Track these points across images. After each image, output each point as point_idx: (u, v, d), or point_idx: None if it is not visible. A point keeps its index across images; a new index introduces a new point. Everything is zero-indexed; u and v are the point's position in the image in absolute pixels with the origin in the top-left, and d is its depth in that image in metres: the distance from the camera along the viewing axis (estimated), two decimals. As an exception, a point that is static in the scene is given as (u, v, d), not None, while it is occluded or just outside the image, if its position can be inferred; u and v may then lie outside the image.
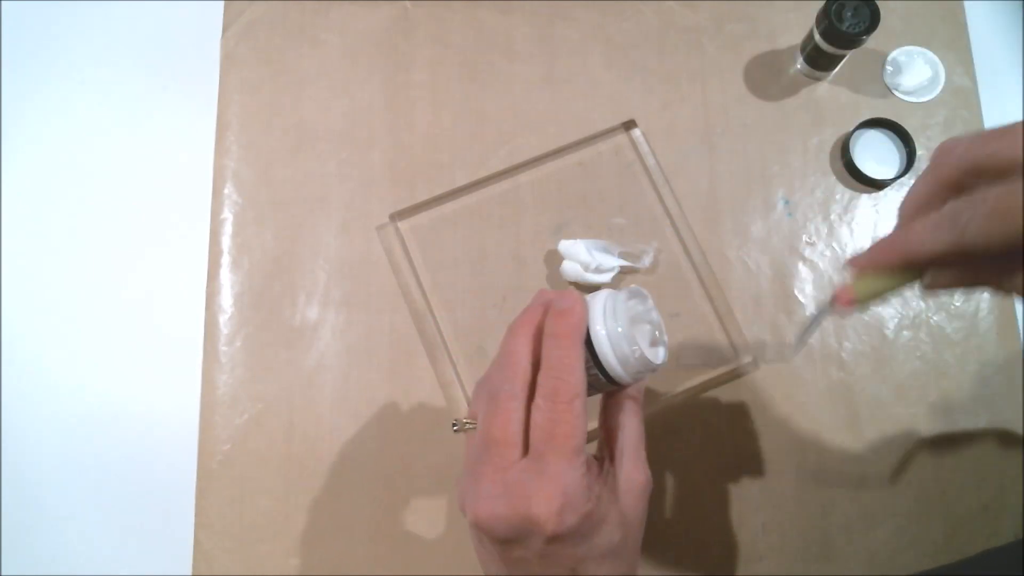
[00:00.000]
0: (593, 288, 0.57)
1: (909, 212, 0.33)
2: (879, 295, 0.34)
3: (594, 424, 0.41)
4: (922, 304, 0.58)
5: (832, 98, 0.62)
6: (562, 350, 0.34)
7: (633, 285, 0.38)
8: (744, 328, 0.57)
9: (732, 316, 0.57)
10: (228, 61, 0.62)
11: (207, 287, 0.58)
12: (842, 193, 0.60)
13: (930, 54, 0.63)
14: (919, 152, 0.60)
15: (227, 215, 0.59)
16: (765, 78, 0.62)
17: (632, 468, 0.37)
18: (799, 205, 0.60)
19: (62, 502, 0.57)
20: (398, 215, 0.59)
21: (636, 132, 0.60)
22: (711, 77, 0.62)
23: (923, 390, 0.57)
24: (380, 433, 0.56)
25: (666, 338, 0.38)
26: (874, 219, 0.60)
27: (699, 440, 0.56)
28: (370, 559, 0.54)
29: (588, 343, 0.35)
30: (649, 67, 0.63)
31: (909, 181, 0.61)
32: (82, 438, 0.58)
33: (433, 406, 0.56)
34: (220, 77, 0.62)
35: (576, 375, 0.33)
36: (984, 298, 0.58)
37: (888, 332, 0.58)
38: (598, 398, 0.40)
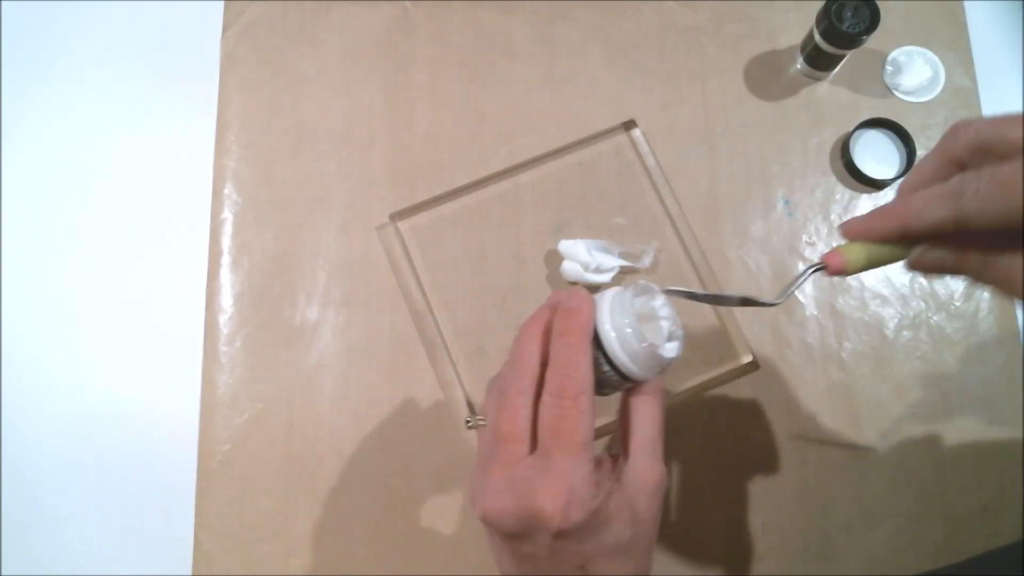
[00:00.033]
0: (594, 288, 0.57)
1: (911, 186, 0.34)
2: (868, 265, 0.34)
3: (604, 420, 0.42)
4: (922, 304, 0.58)
5: (832, 98, 0.62)
6: (569, 348, 0.34)
7: (641, 281, 0.37)
8: (744, 328, 0.57)
9: (732, 316, 0.57)
10: (228, 61, 0.62)
11: (207, 287, 0.58)
12: (842, 193, 0.60)
13: (930, 54, 0.63)
14: (919, 152, 0.60)
15: (227, 215, 0.59)
16: (765, 78, 0.62)
17: (646, 465, 0.36)
18: (799, 205, 0.60)
19: (62, 502, 0.57)
20: (398, 215, 0.59)
21: (636, 132, 0.60)
22: (711, 77, 0.62)
23: (923, 390, 0.57)
24: (380, 433, 0.56)
25: (681, 332, 0.37)
26: (874, 219, 0.60)
27: (699, 440, 0.56)
28: (370, 559, 0.54)
29: (599, 343, 0.35)
30: (649, 67, 0.63)
31: (909, 181, 0.61)
32: (82, 438, 0.58)
33: (433, 406, 0.56)
34: (220, 77, 0.62)
35: (582, 372, 0.34)
36: (984, 298, 0.58)
37: (888, 332, 0.58)
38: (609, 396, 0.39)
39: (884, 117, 0.61)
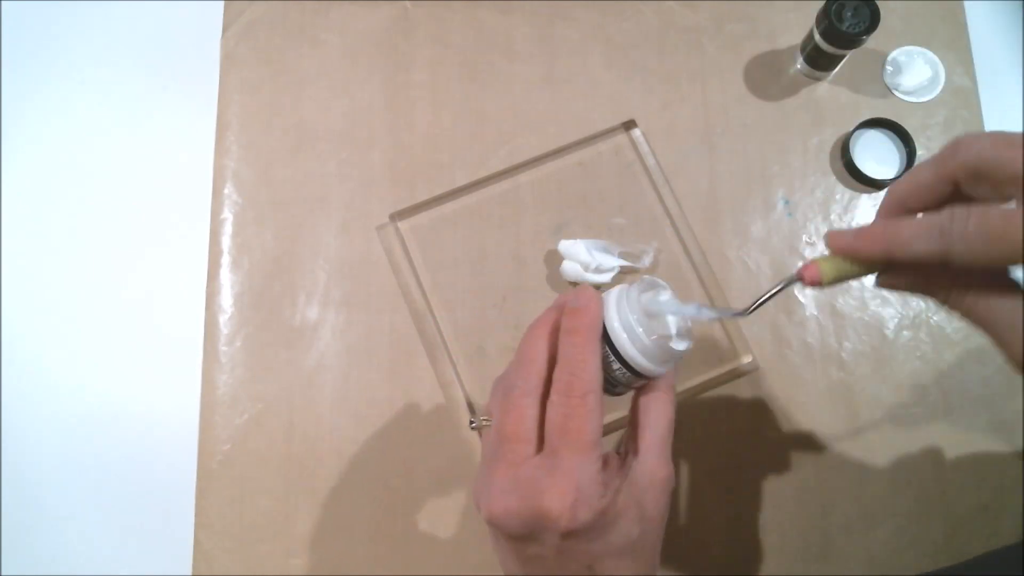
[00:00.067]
0: (594, 288, 0.57)
1: (901, 196, 0.33)
2: (842, 279, 0.34)
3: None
4: (922, 304, 0.58)
5: (832, 98, 0.62)
6: (576, 347, 0.34)
7: (647, 276, 0.37)
8: (744, 328, 0.57)
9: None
10: (228, 61, 0.62)
11: (207, 287, 0.58)
12: (842, 193, 0.60)
13: (930, 54, 0.63)
14: (919, 152, 0.60)
15: (227, 215, 0.59)
16: (765, 78, 0.62)
17: (656, 463, 0.36)
18: (799, 205, 0.60)
19: (62, 502, 0.57)
20: (398, 215, 0.59)
21: (636, 132, 0.60)
22: (711, 77, 0.62)
23: (923, 390, 0.57)
24: (380, 433, 0.56)
25: (689, 324, 0.37)
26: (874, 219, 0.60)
27: (699, 440, 0.56)
28: (370, 559, 0.54)
29: (608, 340, 0.35)
30: (649, 67, 0.63)
31: (909, 181, 0.61)
32: (82, 438, 0.58)
33: (433, 406, 0.56)
34: (220, 77, 0.62)
35: (590, 370, 0.33)
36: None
37: (888, 332, 0.58)
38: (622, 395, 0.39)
39: (884, 117, 0.61)
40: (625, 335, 0.35)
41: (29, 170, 0.63)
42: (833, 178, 0.61)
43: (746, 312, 0.36)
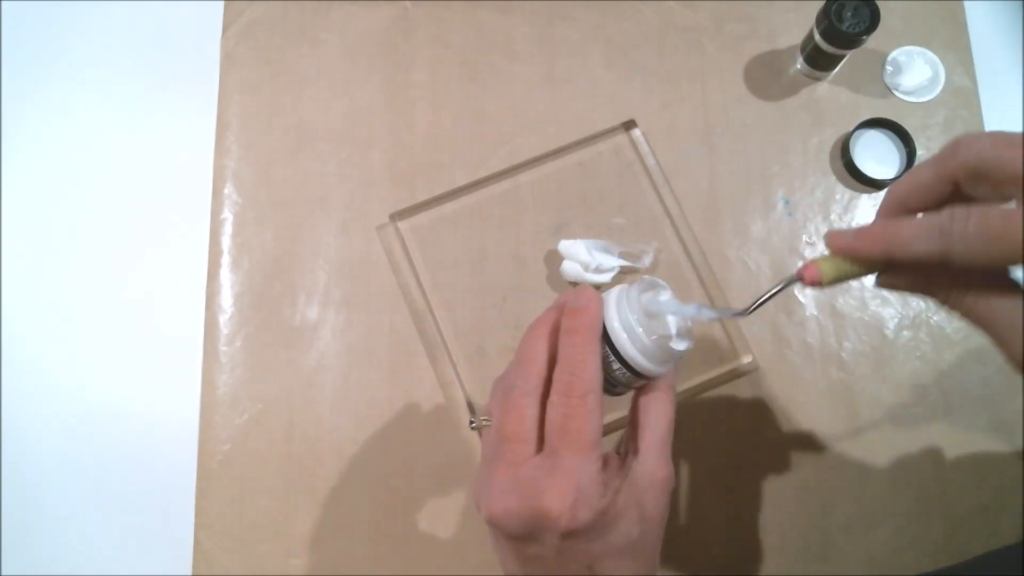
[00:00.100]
0: (593, 288, 0.57)
1: (901, 196, 0.33)
2: (842, 279, 0.34)
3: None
4: (922, 304, 0.58)
5: (832, 98, 0.62)
6: (576, 347, 0.34)
7: (647, 276, 0.37)
8: (744, 328, 0.57)
9: (732, 316, 0.57)
10: (228, 61, 0.62)
11: (207, 287, 0.58)
12: (842, 193, 0.60)
13: (930, 54, 0.63)
14: (919, 152, 0.60)
15: (227, 215, 0.59)
16: (765, 78, 0.62)
17: (656, 462, 0.36)
18: (799, 205, 0.60)
19: (62, 502, 0.57)
20: (398, 215, 0.59)
21: (636, 132, 0.60)
22: (711, 77, 0.62)
23: (923, 390, 0.57)
24: (380, 433, 0.56)
25: (689, 324, 0.37)
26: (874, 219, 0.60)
27: (699, 440, 0.56)
28: (370, 559, 0.54)
29: (608, 340, 0.35)
30: (649, 67, 0.63)
31: (909, 181, 0.61)
32: (82, 438, 0.58)
33: (433, 406, 0.56)
34: (220, 77, 0.62)
35: (590, 370, 0.33)
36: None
37: (888, 332, 0.58)
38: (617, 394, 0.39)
39: (884, 117, 0.61)
40: (625, 335, 0.35)
41: (29, 170, 0.63)
42: (833, 178, 0.61)
43: (746, 312, 0.36)
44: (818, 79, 0.62)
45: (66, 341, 0.59)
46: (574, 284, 0.57)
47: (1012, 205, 0.28)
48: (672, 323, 0.36)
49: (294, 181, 0.60)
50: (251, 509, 0.55)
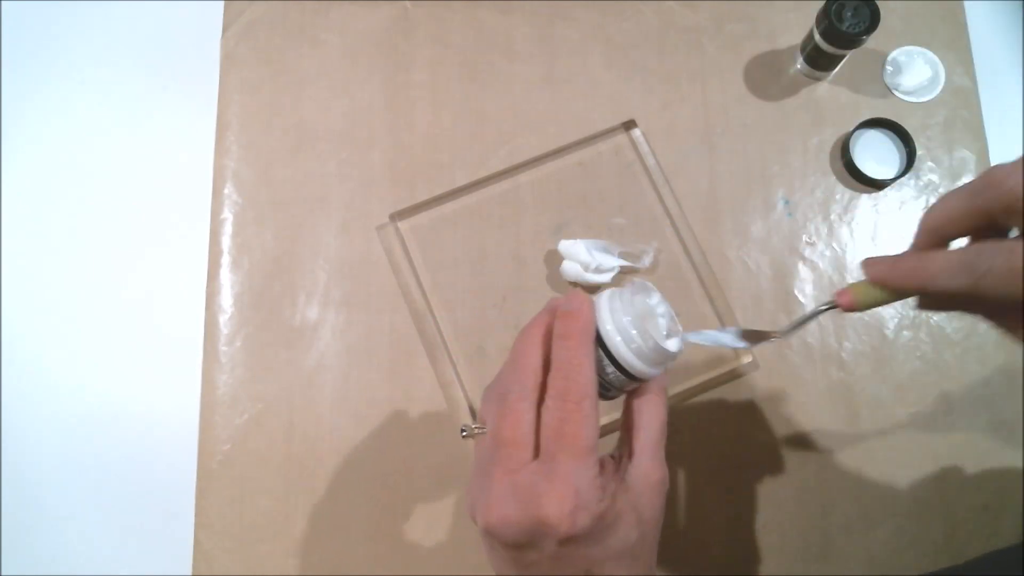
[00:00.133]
0: (593, 288, 0.57)
1: (934, 226, 0.33)
2: (876, 304, 0.35)
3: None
4: (922, 304, 0.58)
5: (832, 98, 0.62)
6: (570, 351, 0.34)
7: (636, 279, 0.37)
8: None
9: (732, 316, 0.57)
10: (228, 61, 0.62)
11: (207, 287, 0.58)
12: (842, 193, 0.60)
13: (930, 54, 0.63)
14: (919, 152, 0.60)
15: (227, 215, 0.59)
16: (765, 78, 0.62)
17: (649, 465, 0.36)
18: (799, 205, 0.60)
19: (62, 502, 0.57)
20: (398, 215, 0.59)
21: (636, 132, 0.60)
22: (711, 77, 0.62)
23: (923, 390, 0.57)
24: (380, 433, 0.56)
25: (680, 327, 0.37)
26: (874, 219, 0.60)
27: (699, 440, 0.56)
28: (370, 559, 0.54)
29: (602, 344, 0.35)
30: (649, 67, 0.63)
31: (909, 181, 0.61)
32: (82, 438, 0.58)
33: (433, 406, 0.56)
34: (220, 77, 0.62)
35: (585, 375, 0.33)
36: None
37: (888, 332, 0.58)
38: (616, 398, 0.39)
39: (884, 117, 0.61)
40: (619, 337, 0.35)
41: (29, 170, 0.63)
42: (833, 178, 0.61)
43: (785, 334, 0.37)
44: (818, 79, 0.62)
45: (66, 341, 0.59)
46: (574, 284, 0.57)
47: None
48: (663, 326, 0.37)
49: (294, 181, 0.60)
50: (251, 509, 0.55)
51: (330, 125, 0.61)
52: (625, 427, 0.38)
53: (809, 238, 0.59)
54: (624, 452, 0.37)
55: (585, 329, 0.35)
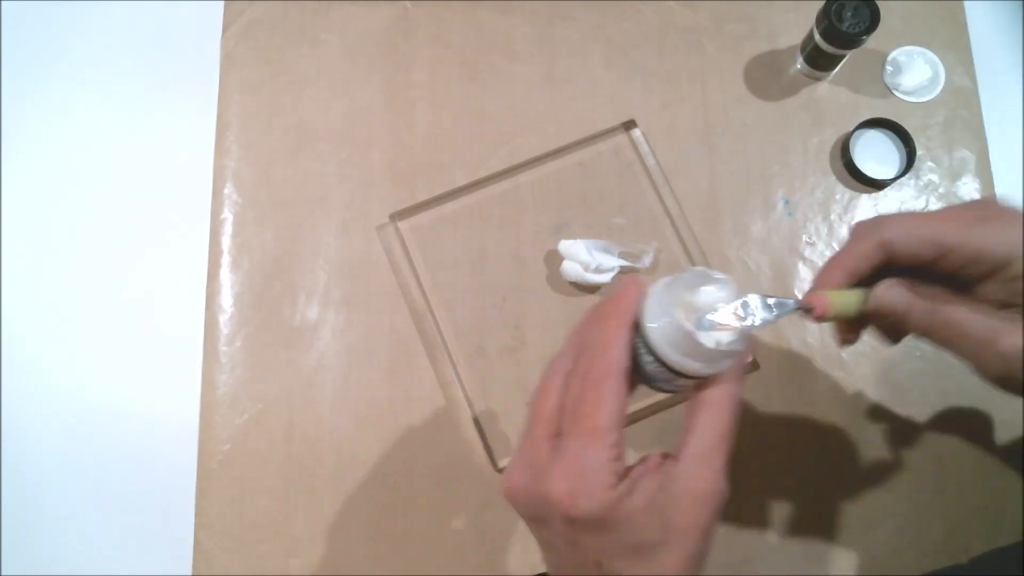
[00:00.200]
0: (593, 288, 0.57)
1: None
2: (850, 313, 0.37)
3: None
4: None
5: (832, 98, 0.62)
6: (601, 331, 0.33)
7: (699, 268, 0.34)
8: (744, 328, 0.57)
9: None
10: (228, 61, 0.62)
11: (207, 287, 0.58)
12: (842, 193, 0.60)
13: (930, 54, 0.63)
14: (919, 152, 0.60)
15: (227, 215, 0.59)
16: (765, 78, 0.62)
17: (696, 471, 0.32)
18: (799, 205, 0.60)
19: (62, 502, 0.57)
20: (398, 215, 0.59)
21: (636, 132, 0.60)
22: (711, 77, 0.62)
23: (923, 390, 0.57)
24: (380, 433, 0.56)
25: (752, 322, 0.33)
26: (874, 219, 0.60)
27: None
28: (370, 559, 0.54)
29: (641, 331, 0.33)
30: (649, 67, 0.63)
31: (909, 181, 0.61)
32: (82, 438, 0.58)
33: (433, 406, 0.56)
34: (220, 77, 0.62)
35: (610, 355, 0.32)
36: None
37: (888, 332, 0.58)
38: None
39: (884, 117, 0.61)
40: (654, 324, 0.32)
41: (29, 170, 0.63)
42: (833, 178, 0.61)
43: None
44: (818, 79, 0.62)
45: (66, 341, 0.59)
46: (574, 284, 0.57)
47: None
48: (710, 318, 0.33)
49: (294, 181, 0.60)
50: (251, 509, 0.55)
51: (330, 125, 0.61)
52: (683, 427, 0.35)
53: (809, 238, 0.59)
54: (676, 452, 0.34)
55: (621, 311, 0.33)
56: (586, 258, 0.55)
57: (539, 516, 0.33)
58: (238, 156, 0.61)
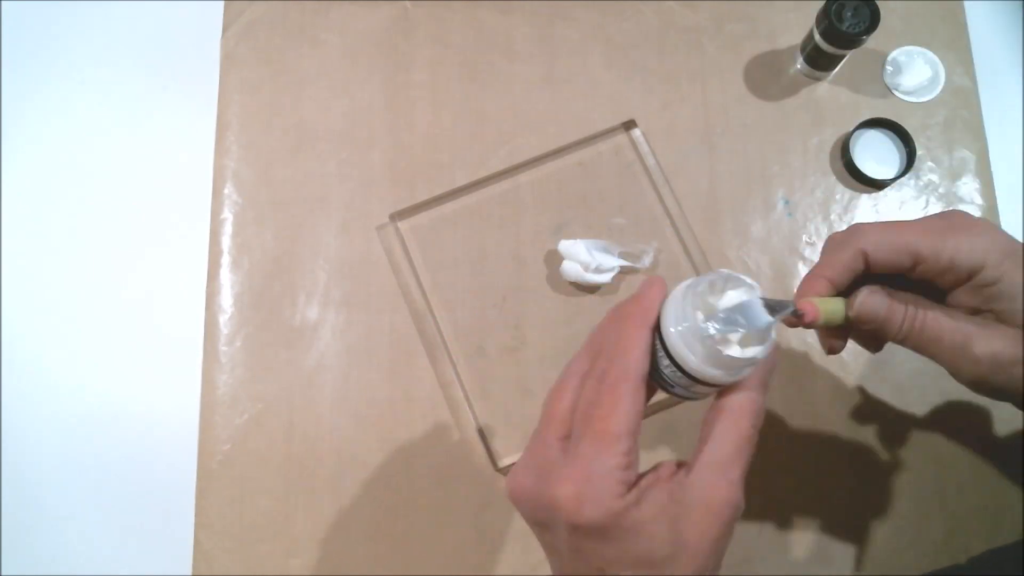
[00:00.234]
0: (593, 288, 0.57)
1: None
2: (837, 320, 0.37)
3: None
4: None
5: (832, 98, 0.62)
6: (619, 333, 0.32)
7: (724, 269, 0.33)
8: (744, 328, 0.57)
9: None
10: (228, 61, 0.62)
11: (207, 287, 0.58)
12: (842, 193, 0.60)
13: (930, 54, 0.63)
14: (919, 152, 0.60)
15: (227, 215, 0.59)
16: (765, 78, 0.62)
17: (711, 481, 0.31)
18: (799, 205, 0.60)
19: (62, 502, 0.57)
20: (398, 215, 0.59)
21: (636, 132, 0.60)
22: (711, 77, 0.62)
23: (923, 390, 0.57)
24: (380, 433, 0.56)
25: (772, 334, 0.32)
26: (874, 219, 0.60)
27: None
28: (370, 559, 0.54)
29: (660, 334, 0.32)
30: (649, 67, 0.63)
31: (909, 181, 0.61)
32: (82, 438, 0.58)
33: (433, 406, 0.56)
34: (220, 77, 0.62)
35: (628, 359, 0.31)
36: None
37: (888, 332, 0.58)
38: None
39: (884, 117, 0.61)
40: (672, 328, 0.31)
41: (29, 170, 0.63)
42: (833, 178, 0.61)
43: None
44: (818, 79, 0.62)
45: (66, 341, 0.59)
46: (574, 284, 0.57)
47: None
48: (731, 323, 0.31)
49: (294, 181, 0.60)
50: (251, 509, 0.55)
51: (330, 125, 0.61)
52: (700, 435, 0.34)
53: (809, 238, 0.59)
54: (692, 461, 0.33)
55: (643, 314, 0.32)
56: (586, 258, 0.55)
57: (543, 519, 0.32)
58: (238, 156, 0.61)
